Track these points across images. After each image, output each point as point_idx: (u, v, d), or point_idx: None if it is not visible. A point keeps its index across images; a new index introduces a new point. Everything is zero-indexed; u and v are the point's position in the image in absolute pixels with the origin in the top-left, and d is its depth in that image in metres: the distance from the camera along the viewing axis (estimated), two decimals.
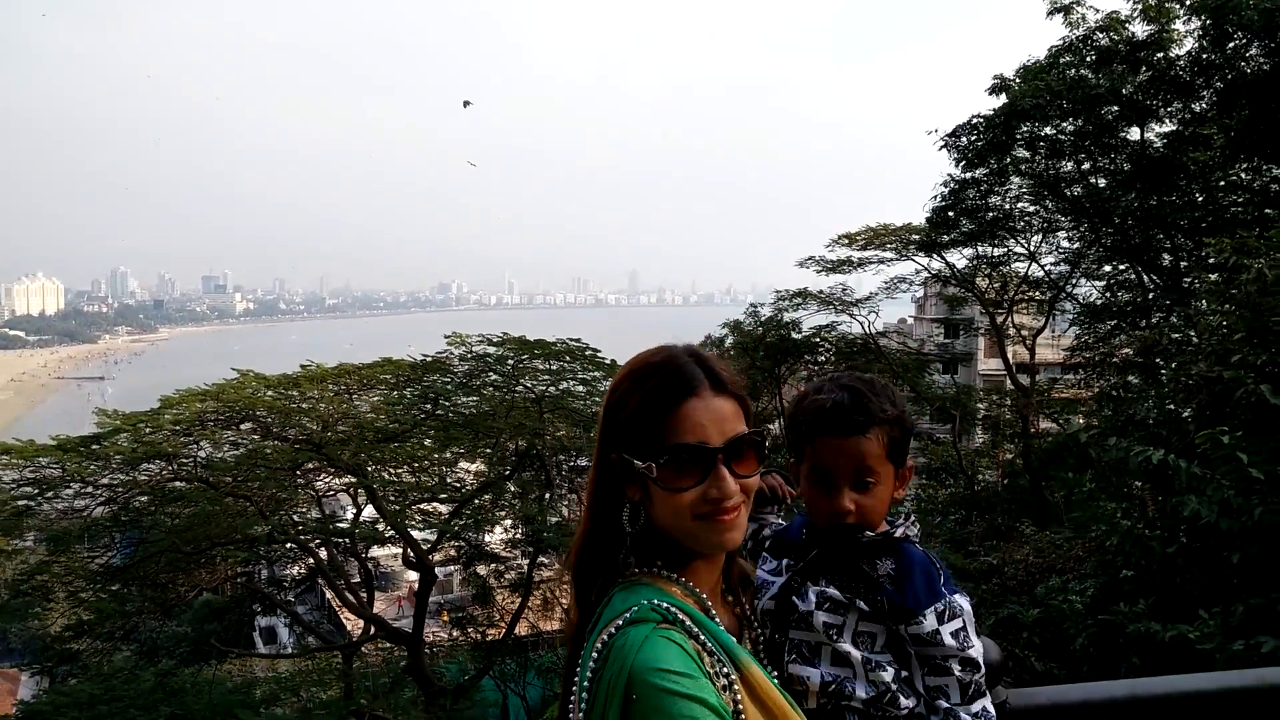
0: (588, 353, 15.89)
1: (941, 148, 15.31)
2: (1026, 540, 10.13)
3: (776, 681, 1.37)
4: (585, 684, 1.27)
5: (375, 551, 19.75)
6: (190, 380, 16.20)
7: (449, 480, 16.67)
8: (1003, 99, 14.72)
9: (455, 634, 19.27)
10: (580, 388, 15.95)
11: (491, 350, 15.96)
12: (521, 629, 17.21)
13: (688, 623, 1.30)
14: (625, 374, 1.42)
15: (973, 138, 14.99)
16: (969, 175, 15.77)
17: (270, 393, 15.32)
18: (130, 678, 13.61)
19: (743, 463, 1.37)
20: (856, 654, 1.50)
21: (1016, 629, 6.70)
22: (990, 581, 8.90)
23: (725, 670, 1.28)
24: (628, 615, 1.30)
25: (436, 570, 16.44)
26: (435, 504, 16.49)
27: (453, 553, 17.37)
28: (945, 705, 1.48)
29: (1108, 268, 16.54)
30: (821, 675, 1.50)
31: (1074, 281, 17.86)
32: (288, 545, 16.42)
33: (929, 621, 1.48)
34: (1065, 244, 17.37)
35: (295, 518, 16.32)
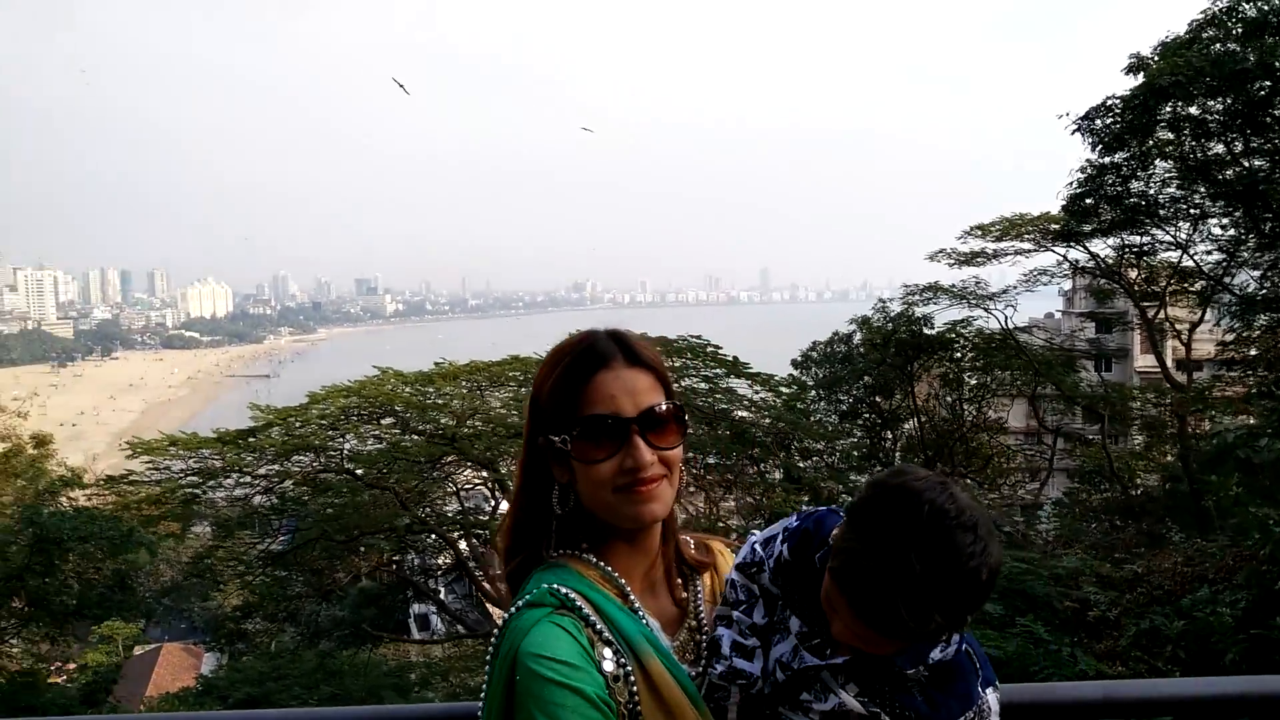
0: (708, 349, 15.90)
1: (1074, 131, 14.46)
2: (1176, 548, 9.51)
3: (686, 678, 1.34)
4: (488, 660, 1.30)
5: None
6: (345, 377, 17.07)
7: None
8: (1140, 79, 13.75)
9: None
10: (702, 384, 15.97)
11: None
12: None
13: (585, 609, 1.29)
14: (547, 357, 1.44)
15: (1109, 120, 14.09)
16: (1107, 160, 14.82)
17: (408, 389, 16.10)
18: (294, 657, 14.35)
19: (661, 434, 1.36)
20: None
21: (1159, 642, 6.31)
22: (1135, 590, 8.42)
23: (623, 661, 1.27)
24: (527, 598, 1.31)
25: None
26: None
27: None
28: None
29: (1267, 256, 15.19)
30: None
31: (1230, 271, 16.49)
32: (429, 536, 17.18)
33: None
34: (1218, 231, 16.08)
35: (435, 509, 17.07)
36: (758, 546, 1.47)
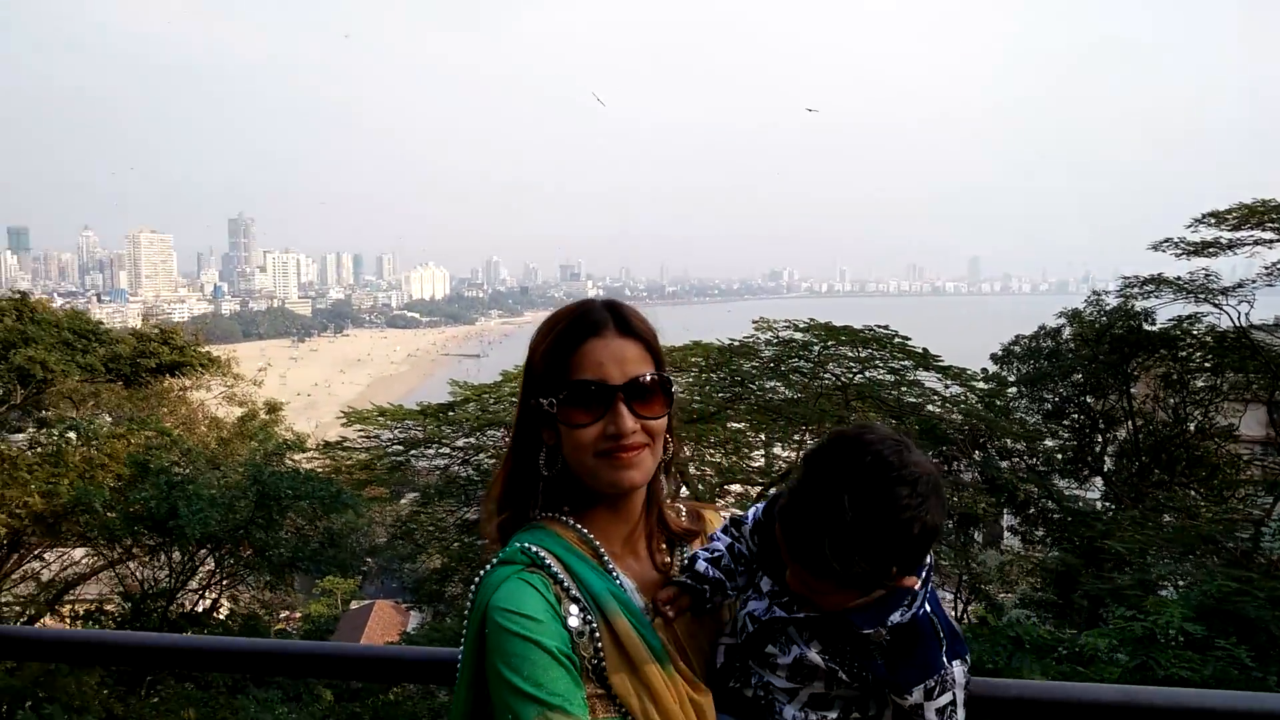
0: (895, 340, 15.30)
1: None
2: None
3: (654, 636, 1.36)
4: (465, 612, 1.37)
5: None
6: None
7: (756, 464, 16.96)
8: None
9: None
10: (888, 376, 15.41)
11: (798, 336, 15.94)
12: None
13: (554, 567, 1.35)
14: (544, 322, 1.48)
15: None
16: None
17: None
18: None
19: (646, 404, 1.39)
20: (797, 715, 1.40)
21: None
22: None
23: (589, 618, 1.32)
24: (500, 555, 1.36)
25: None
26: (746, 486, 16.87)
27: None
28: None
29: None
30: (755, 690, 1.44)
31: None
32: None
33: (915, 697, 1.37)
34: None
35: None
36: (758, 507, 1.54)
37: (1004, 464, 17.11)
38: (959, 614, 14.70)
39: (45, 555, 14.11)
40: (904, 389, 15.31)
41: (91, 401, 16.21)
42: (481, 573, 1.39)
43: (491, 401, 16.31)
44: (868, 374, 15.48)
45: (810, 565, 1.31)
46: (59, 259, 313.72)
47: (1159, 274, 17.65)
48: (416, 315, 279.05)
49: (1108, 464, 19.07)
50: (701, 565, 1.49)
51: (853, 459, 1.28)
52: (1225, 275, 17.65)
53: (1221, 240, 17.30)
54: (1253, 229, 16.78)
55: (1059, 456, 18.62)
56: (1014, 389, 19.87)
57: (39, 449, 14.35)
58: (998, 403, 17.61)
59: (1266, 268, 17.14)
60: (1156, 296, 17.77)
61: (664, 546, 1.55)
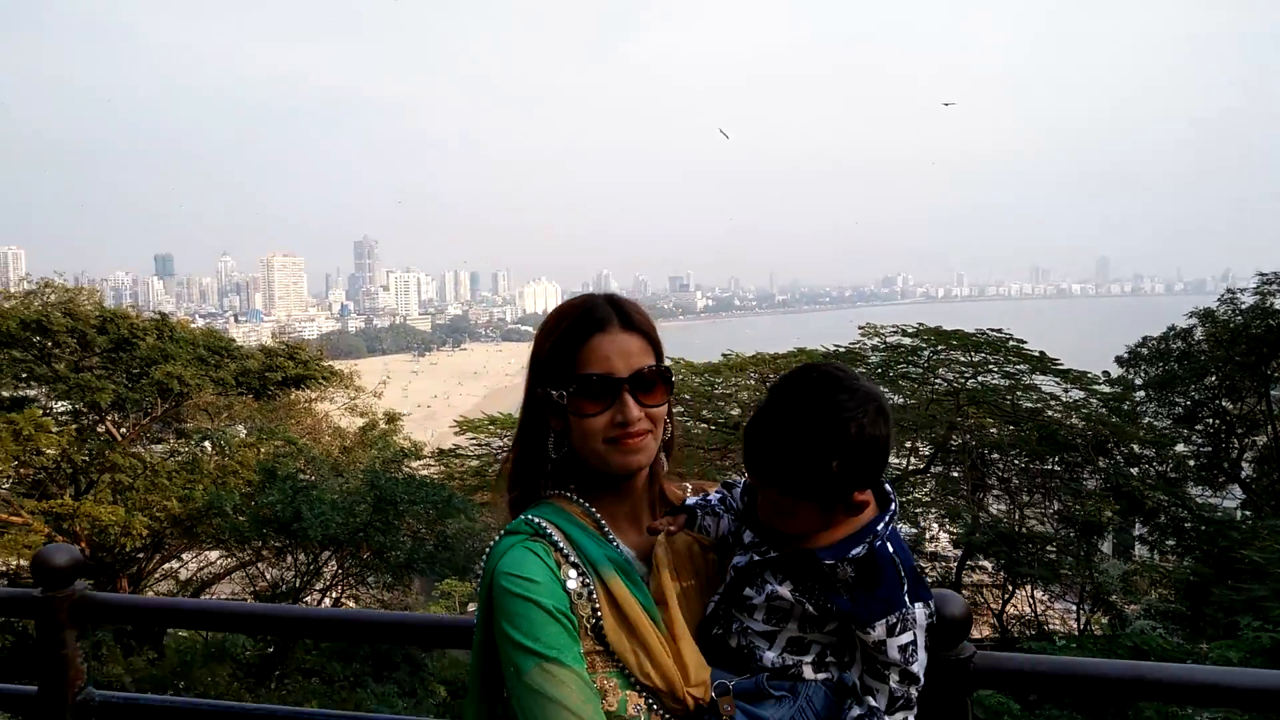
0: (1010, 344, 14.77)
1: None
2: None
3: (649, 599, 1.47)
4: (476, 578, 1.50)
5: None
6: None
7: None
8: None
9: None
10: (1003, 381, 14.88)
11: (906, 341, 15.59)
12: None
13: (555, 536, 1.47)
14: (550, 316, 1.59)
15: None
16: None
17: (696, 379, 16.66)
18: None
19: (649, 394, 1.52)
20: (776, 659, 1.50)
21: None
22: None
23: (586, 581, 1.44)
24: (508, 527, 1.49)
25: None
26: None
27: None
28: (872, 704, 1.47)
29: None
30: (738, 639, 1.53)
31: None
32: None
33: (877, 632, 1.45)
34: None
35: None
36: None
37: (1133, 470, 16.26)
38: (1081, 625, 14.03)
39: (183, 555, 15.09)
40: (1019, 394, 14.74)
41: (225, 413, 17.27)
42: (491, 543, 1.52)
43: None
44: (980, 379, 14.98)
45: (766, 475, 1.44)
46: (200, 283, 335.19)
47: None
48: (530, 329, 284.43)
49: (1246, 470, 17.87)
50: (691, 500, 1.65)
51: (804, 377, 1.44)
52: None
53: None
54: None
55: (1191, 463, 17.55)
56: (1141, 393, 18.86)
57: (177, 458, 15.41)
58: (1123, 407, 16.75)
59: None
60: None
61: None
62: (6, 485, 15.13)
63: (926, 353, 15.39)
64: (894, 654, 1.45)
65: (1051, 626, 14.85)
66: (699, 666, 1.47)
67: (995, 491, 16.39)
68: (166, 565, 15.20)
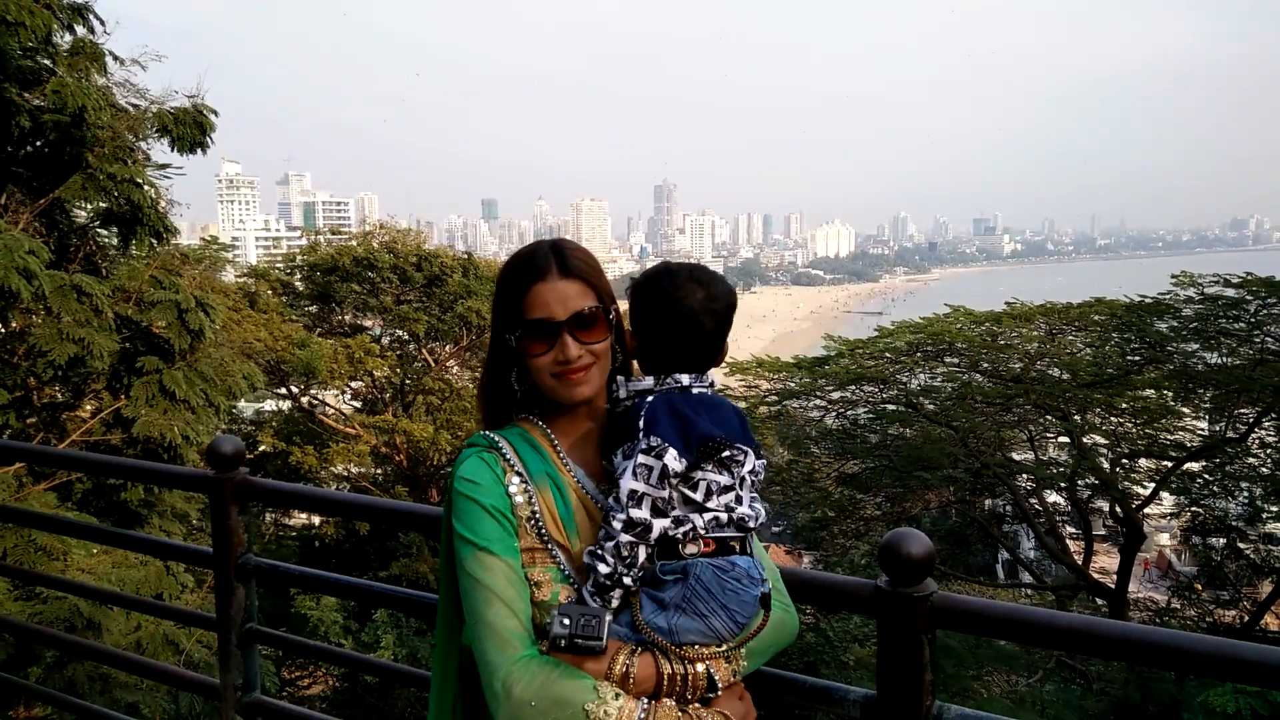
0: None
1: None
2: None
3: (565, 512, 1.67)
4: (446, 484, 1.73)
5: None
6: None
7: (1170, 436, 14.84)
8: None
9: (1175, 602, 17.25)
10: None
11: (1229, 292, 13.57)
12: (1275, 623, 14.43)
13: (505, 449, 1.69)
14: (505, 264, 1.75)
15: None
16: None
17: (977, 329, 15.68)
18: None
19: (588, 332, 1.69)
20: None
21: None
22: None
23: (527, 487, 1.66)
24: (468, 441, 1.72)
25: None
26: (1154, 459, 14.90)
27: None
28: (599, 572, 1.57)
29: None
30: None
31: None
32: (990, 480, 16.66)
33: (616, 460, 1.62)
34: None
35: (1006, 455, 16.44)
36: None
37: None
38: None
39: None
40: None
41: None
42: (457, 456, 1.77)
43: (866, 356, 16.16)
44: None
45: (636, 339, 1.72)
46: (519, 226, 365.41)
47: None
48: (820, 273, 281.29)
49: None
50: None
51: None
52: None
53: None
54: None
55: None
56: None
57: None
58: None
59: None
60: None
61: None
62: (344, 400, 17.76)
63: (1254, 305, 13.32)
64: (623, 489, 1.55)
65: None
66: None
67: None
68: None
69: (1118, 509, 15.01)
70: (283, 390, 17.55)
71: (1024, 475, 16.15)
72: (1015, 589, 20.03)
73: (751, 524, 1.63)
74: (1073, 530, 19.31)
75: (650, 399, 1.63)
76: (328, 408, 18.31)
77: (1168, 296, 14.42)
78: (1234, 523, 14.80)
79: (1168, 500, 16.19)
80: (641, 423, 1.59)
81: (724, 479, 1.59)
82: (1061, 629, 1.58)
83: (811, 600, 1.83)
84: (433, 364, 18.14)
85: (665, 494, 1.55)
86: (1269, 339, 13.32)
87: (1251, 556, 14.73)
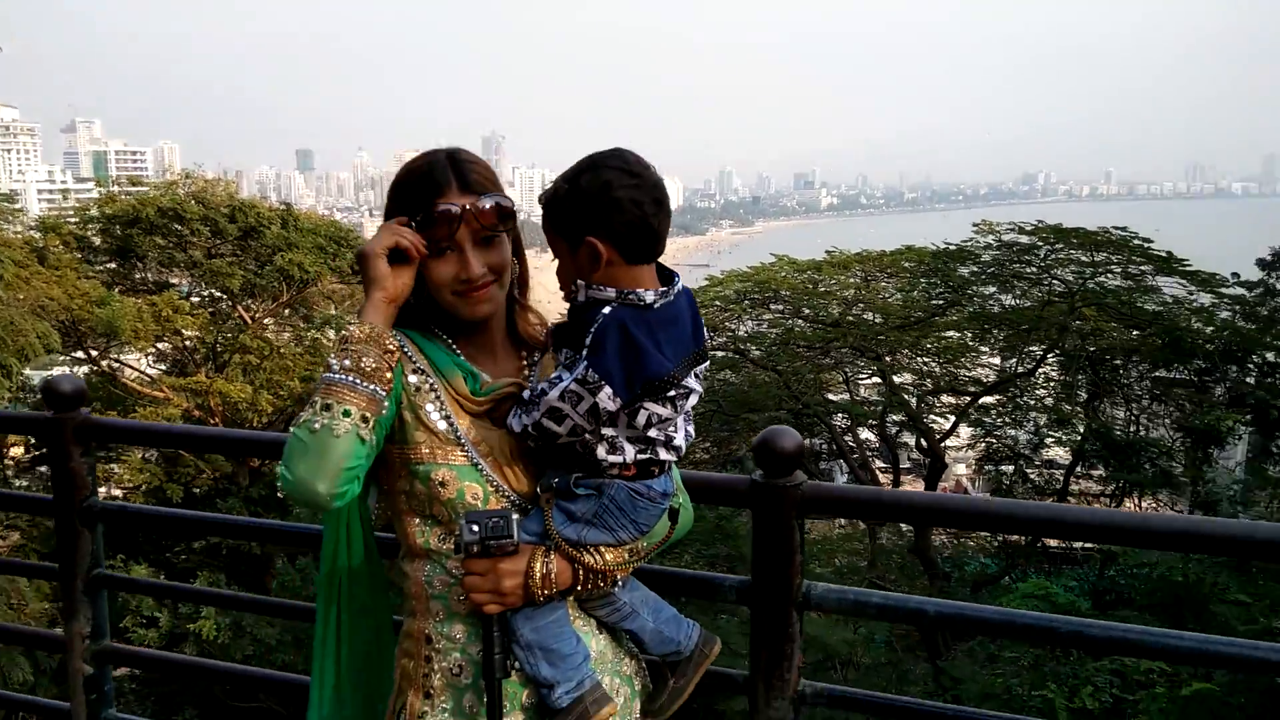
0: (1134, 243, 13.90)
1: None
2: None
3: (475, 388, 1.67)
4: None
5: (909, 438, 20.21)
6: None
7: (971, 373, 16.25)
8: None
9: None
10: (1124, 282, 14.09)
11: (1022, 239, 14.88)
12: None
13: (406, 346, 1.67)
14: (398, 174, 1.69)
15: None
16: None
17: (799, 276, 16.45)
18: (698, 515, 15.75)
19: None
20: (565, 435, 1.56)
21: None
22: None
23: (431, 382, 1.66)
24: None
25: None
26: (958, 396, 16.27)
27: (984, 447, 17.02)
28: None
29: None
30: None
31: None
32: (818, 422, 17.66)
33: (561, 358, 1.59)
34: None
35: (823, 396, 17.47)
36: None
37: (1266, 381, 15.26)
38: None
39: None
40: (1141, 294, 13.95)
41: (347, 301, 18.24)
42: None
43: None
44: (1100, 280, 14.22)
45: (547, 229, 1.59)
46: (337, 178, 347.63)
47: None
48: None
49: None
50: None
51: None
52: None
53: None
54: None
55: None
56: None
57: (304, 343, 16.44)
58: (1261, 312, 15.62)
59: None
60: None
61: (521, 353, 1.81)
62: (149, 363, 16.53)
63: (1044, 251, 14.67)
64: (544, 402, 1.51)
65: None
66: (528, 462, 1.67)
67: (1117, 400, 15.76)
68: None
69: (923, 442, 16.29)
70: (80, 353, 16.14)
71: (840, 414, 17.26)
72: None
73: (682, 451, 1.61)
74: (882, 465, 20.86)
75: (605, 311, 1.49)
76: (131, 370, 17.02)
77: (969, 244, 15.63)
78: (1022, 450, 16.45)
79: (965, 432, 17.78)
80: (589, 340, 1.49)
81: (665, 411, 1.53)
82: (917, 506, 1.73)
83: (695, 498, 1.87)
84: (249, 321, 17.15)
85: (589, 426, 1.50)
86: (1055, 281, 14.74)
87: (1035, 479, 16.42)
